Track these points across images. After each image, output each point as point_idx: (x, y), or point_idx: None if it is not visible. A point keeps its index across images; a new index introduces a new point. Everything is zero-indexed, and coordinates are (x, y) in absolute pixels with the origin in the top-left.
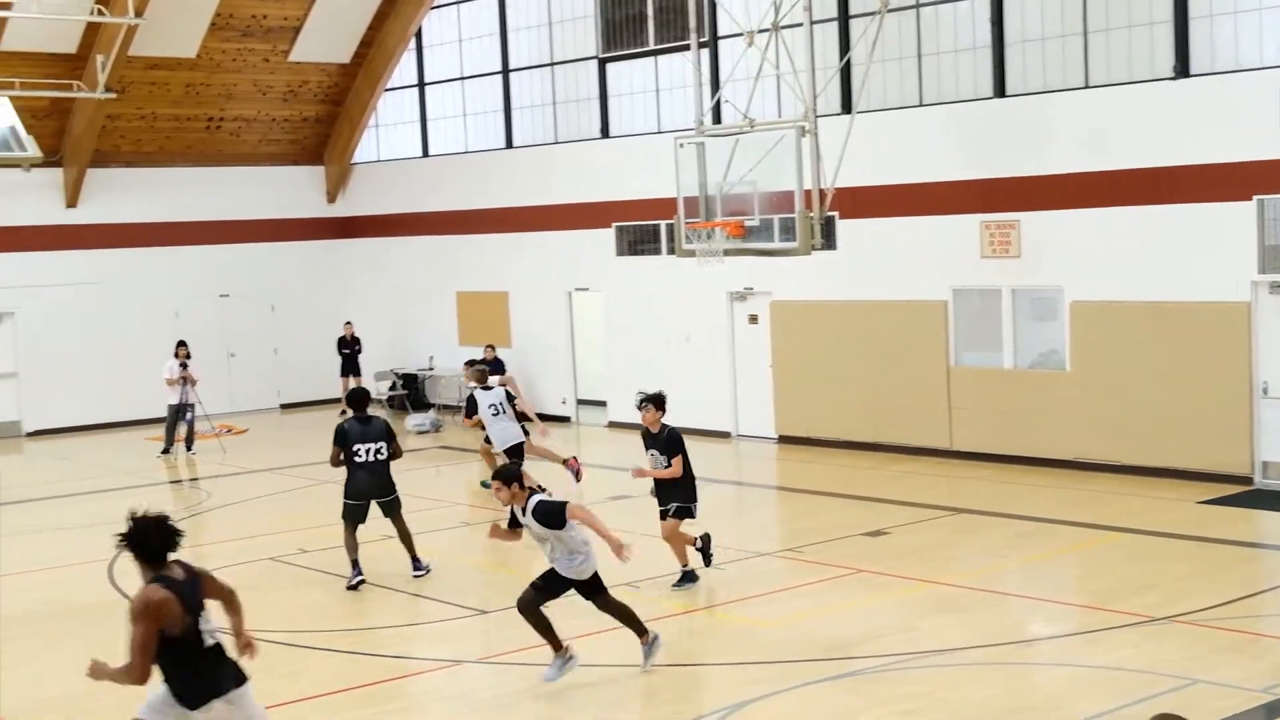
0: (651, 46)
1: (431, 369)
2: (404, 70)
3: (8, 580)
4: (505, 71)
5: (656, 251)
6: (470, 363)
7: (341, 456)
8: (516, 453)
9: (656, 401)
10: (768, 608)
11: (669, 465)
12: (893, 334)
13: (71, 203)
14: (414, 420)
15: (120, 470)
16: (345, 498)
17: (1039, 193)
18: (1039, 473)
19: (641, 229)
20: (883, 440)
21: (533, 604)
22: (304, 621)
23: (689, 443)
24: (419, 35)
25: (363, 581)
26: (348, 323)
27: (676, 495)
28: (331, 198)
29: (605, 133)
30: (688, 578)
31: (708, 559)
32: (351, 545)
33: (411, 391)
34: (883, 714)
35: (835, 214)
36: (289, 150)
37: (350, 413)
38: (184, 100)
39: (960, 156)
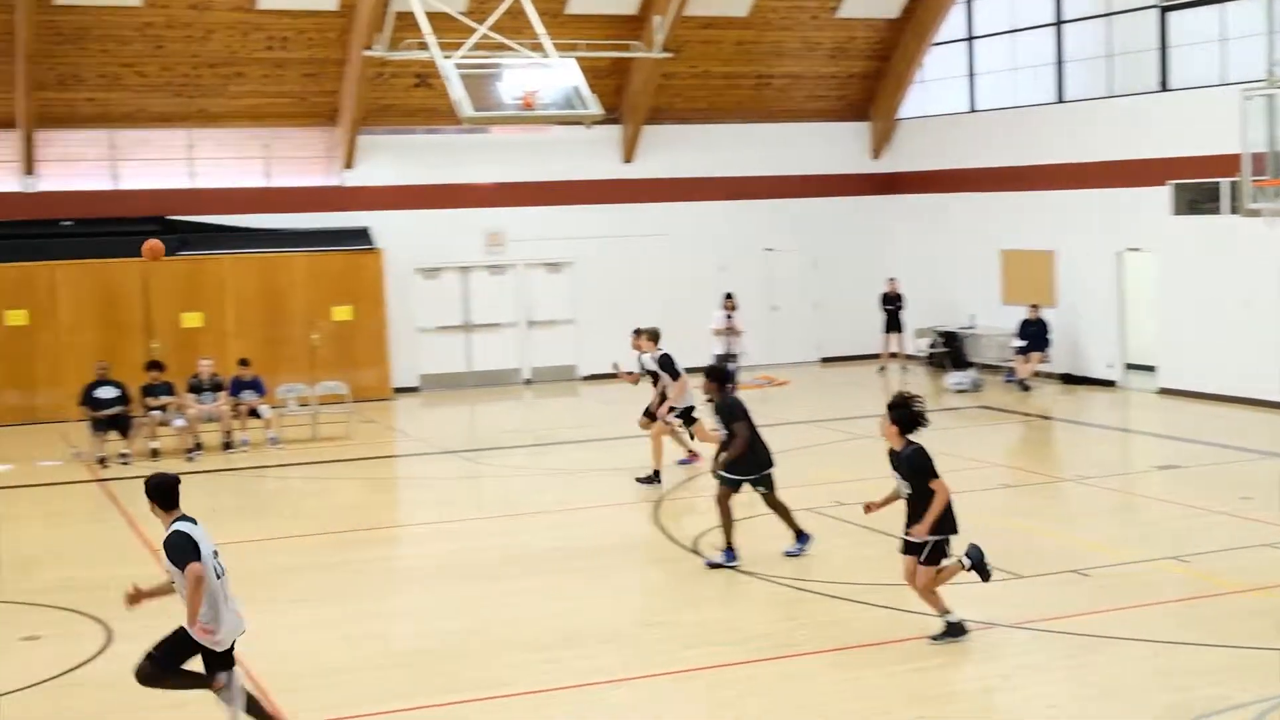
0: None
1: (973, 327)
2: (951, 24)
3: (550, 516)
4: (1058, 23)
5: (1216, 211)
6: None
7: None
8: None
9: (895, 414)
10: None
11: (911, 492)
12: None
13: (628, 158)
14: (953, 379)
15: None
16: (762, 468)
17: None
18: None
19: (1200, 187)
20: None
21: (152, 678)
22: (839, 573)
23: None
24: None
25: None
26: (891, 279)
27: (930, 526)
28: (876, 154)
29: (1164, 85)
30: (953, 631)
31: (985, 573)
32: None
33: (952, 349)
34: None
35: None
36: (834, 106)
37: (715, 389)
38: (735, 58)
39: None
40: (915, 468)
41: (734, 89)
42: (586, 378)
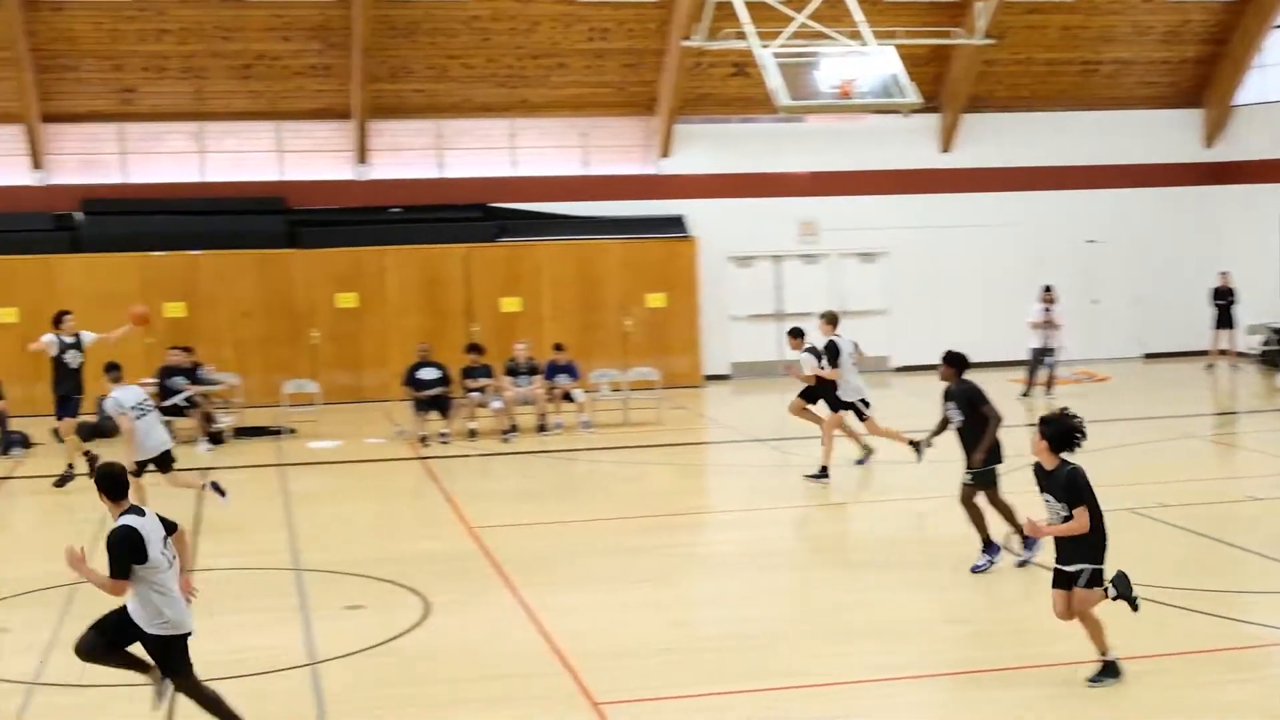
0: None
1: None
2: None
3: (856, 508)
4: None
5: None
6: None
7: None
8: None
9: (1048, 429)
10: None
11: (1069, 516)
12: None
13: (946, 147)
14: None
15: None
16: (989, 462)
17: None
18: None
19: None
20: None
21: (92, 651)
22: (1164, 577)
23: None
24: None
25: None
26: (1223, 272)
27: (1083, 554)
28: (1209, 142)
29: None
30: (1109, 671)
31: (1133, 603)
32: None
33: None
34: None
35: None
36: (1164, 93)
37: (953, 374)
38: (1059, 44)
39: None
40: (1069, 491)
41: (1058, 76)
42: (899, 369)
